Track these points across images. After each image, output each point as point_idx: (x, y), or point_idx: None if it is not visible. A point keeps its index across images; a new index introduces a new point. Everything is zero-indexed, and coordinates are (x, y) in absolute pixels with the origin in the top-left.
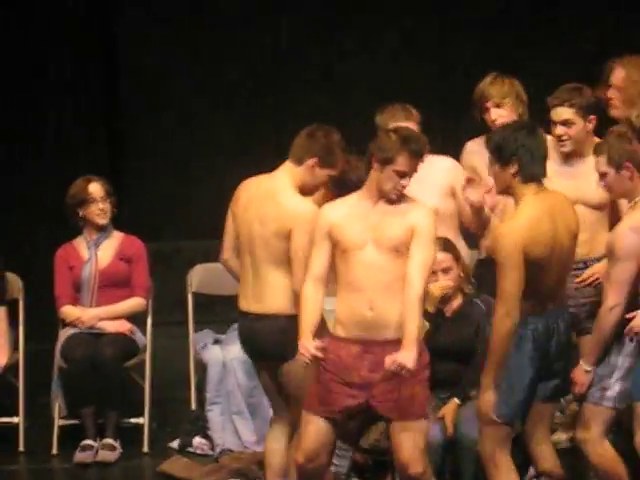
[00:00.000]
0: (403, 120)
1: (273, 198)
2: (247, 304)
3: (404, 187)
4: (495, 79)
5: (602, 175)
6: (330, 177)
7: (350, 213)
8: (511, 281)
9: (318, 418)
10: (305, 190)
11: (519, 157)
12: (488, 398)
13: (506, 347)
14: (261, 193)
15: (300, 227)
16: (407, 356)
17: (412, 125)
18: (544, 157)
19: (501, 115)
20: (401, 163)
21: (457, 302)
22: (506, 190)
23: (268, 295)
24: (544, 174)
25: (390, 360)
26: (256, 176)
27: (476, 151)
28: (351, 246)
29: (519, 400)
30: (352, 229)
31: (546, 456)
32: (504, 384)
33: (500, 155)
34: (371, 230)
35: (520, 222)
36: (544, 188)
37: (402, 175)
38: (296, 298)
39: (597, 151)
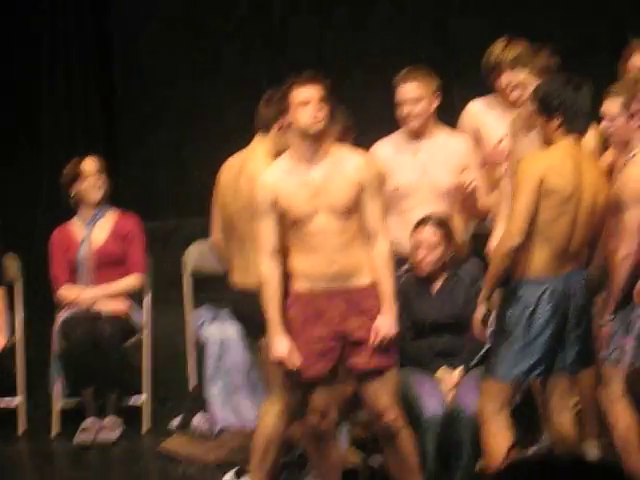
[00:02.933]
0: (403, 81)
1: (244, 169)
2: (234, 279)
3: (320, 116)
4: (509, 43)
5: (610, 118)
6: None
7: (291, 181)
8: (521, 202)
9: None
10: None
11: (563, 111)
12: (480, 312)
13: (504, 264)
14: (235, 169)
15: None
16: (389, 322)
17: (413, 85)
18: (588, 113)
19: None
20: (296, 94)
21: (443, 276)
22: (548, 141)
23: (252, 271)
24: (586, 130)
25: (374, 334)
26: (234, 155)
27: (478, 111)
28: (302, 216)
29: (533, 362)
30: (299, 199)
31: (562, 426)
32: (517, 344)
33: (545, 107)
34: (318, 197)
35: (543, 153)
36: (581, 145)
37: (305, 103)
38: None
39: (612, 92)
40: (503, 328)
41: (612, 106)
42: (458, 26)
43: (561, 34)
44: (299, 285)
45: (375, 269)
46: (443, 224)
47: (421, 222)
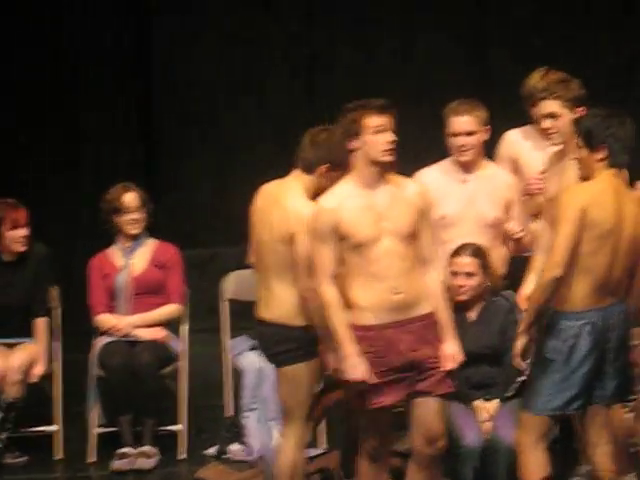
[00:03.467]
0: (461, 114)
1: (278, 203)
2: (259, 311)
3: (393, 145)
4: (547, 73)
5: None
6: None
7: (354, 205)
8: (564, 233)
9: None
10: (324, 192)
11: (608, 145)
12: (520, 343)
13: (546, 296)
14: (270, 199)
15: (304, 230)
16: (456, 348)
17: (469, 119)
18: (631, 147)
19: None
20: (372, 121)
21: (480, 306)
22: (588, 174)
23: (274, 303)
24: (627, 163)
25: (447, 361)
26: (272, 181)
27: (515, 141)
28: (366, 241)
29: (572, 395)
30: (363, 223)
31: (601, 459)
32: (557, 376)
33: (589, 141)
34: (382, 221)
35: (585, 186)
36: (621, 178)
37: (381, 131)
38: (303, 302)
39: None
40: (542, 360)
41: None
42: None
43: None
44: (365, 318)
45: (432, 296)
46: (480, 253)
47: (458, 251)
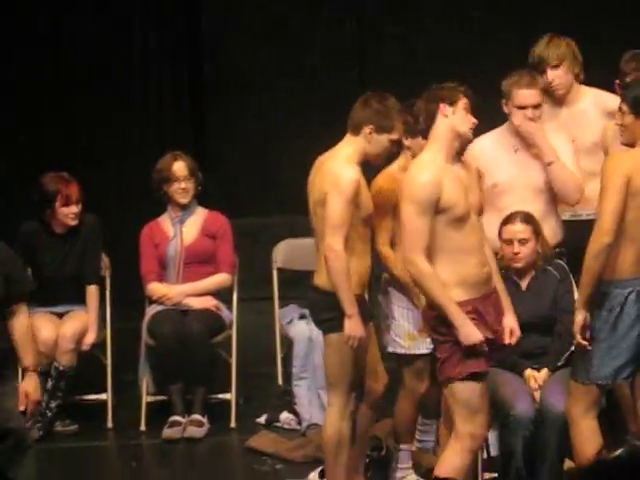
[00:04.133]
0: (526, 87)
1: (322, 166)
2: (314, 277)
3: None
4: (551, 40)
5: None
6: (392, 142)
7: (450, 179)
8: (610, 200)
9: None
10: (371, 159)
11: None
12: (579, 318)
13: (599, 265)
14: (318, 164)
15: (334, 190)
16: (515, 321)
17: (535, 92)
18: None
19: (558, 76)
20: (464, 102)
21: (531, 274)
22: (632, 141)
23: (322, 269)
24: None
25: (512, 333)
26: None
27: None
28: (463, 215)
29: (620, 364)
30: (460, 197)
31: None
32: (605, 345)
33: (637, 107)
34: (468, 196)
35: (629, 153)
36: None
37: (469, 111)
38: (329, 263)
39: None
40: (590, 329)
41: None
42: None
43: None
44: (456, 294)
45: (494, 266)
46: (531, 220)
47: (509, 218)
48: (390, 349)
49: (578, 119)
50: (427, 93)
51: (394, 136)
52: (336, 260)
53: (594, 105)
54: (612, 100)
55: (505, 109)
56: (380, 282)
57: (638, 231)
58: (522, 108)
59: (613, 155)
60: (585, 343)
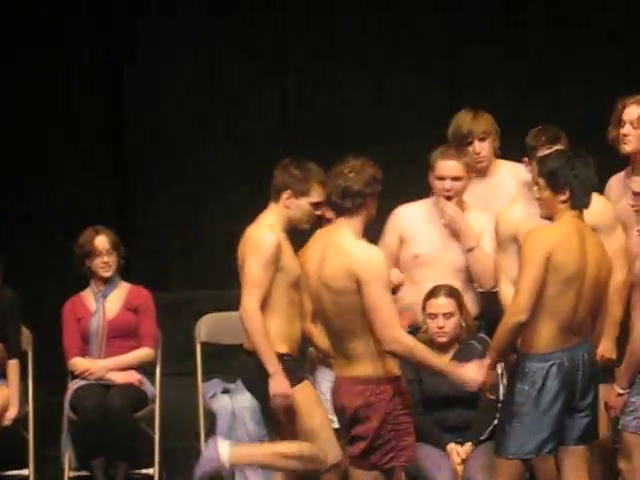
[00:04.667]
0: (449, 158)
1: (245, 232)
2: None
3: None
4: (477, 113)
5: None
6: (314, 204)
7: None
8: (529, 277)
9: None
10: (297, 224)
11: (572, 186)
12: (488, 380)
13: (510, 339)
14: (244, 236)
15: (252, 253)
16: None
17: (458, 164)
18: (594, 188)
19: (485, 148)
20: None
21: (454, 348)
22: (550, 215)
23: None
24: (589, 204)
25: None
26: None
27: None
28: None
29: (543, 438)
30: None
31: None
32: (528, 419)
33: (553, 181)
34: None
35: (550, 228)
36: (583, 219)
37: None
38: (244, 324)
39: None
40: (512, 404)
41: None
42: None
43: None
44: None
45: None
46: (455, 294)
47: (434, 292)
48: None
49: (495, 191)
50: (304, 161)
51: (313, 199)
52: (249, 321)
53: (509, 177)
54: (525, 171)
55: (430, 181)
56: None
57: (559, 306)
58: (442, 179)
59: (532, 231)
60: (492, 397)
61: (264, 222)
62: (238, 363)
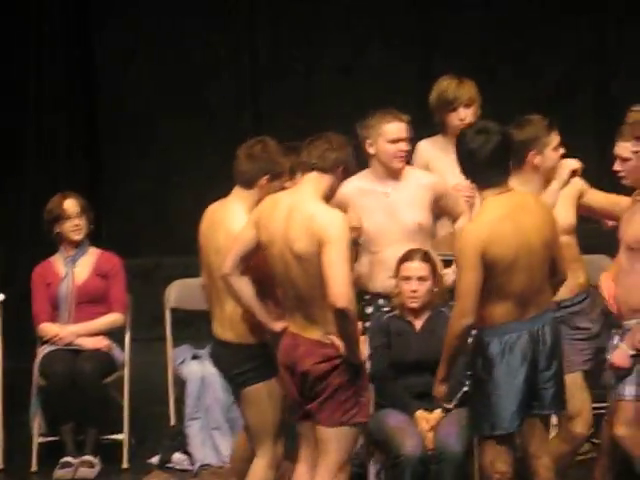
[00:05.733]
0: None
1: (223, 225)
2: (215, 331)
3: None
4: (462, 81)
5: (624, 160)
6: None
7: None
8: (466, 281)
9: None
10: None
11: (482, 171)
12: (439, 390)
13: (458, 345)
14: (215, 221)
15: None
16: None
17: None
18: (501, 160)
19: (470, 114)
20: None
21: (426, 315)
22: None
23: (227, 323)
24: (507, 178)
25: None
26: (215, 202)
27: (426, 149)
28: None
29: (512, 411)
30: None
31: (542, 472)
32: (493, 396)
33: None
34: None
35: (478, 224)
36: (508, 189)
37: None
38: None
39: (622, 135)
40: (477, 382)
41: (622, 149)
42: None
43: None
44: None
45: None
46: (429, 258)
47: (408, 256)
48: None
49: None
50: (268, 141)
51: (286, 179)
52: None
53: None
54: None
55: (370, 150)
56: None
57: (508, 289)
58: (395, 142)
59: (465, 229)
60: (451, 406)
61: (237, 209)
62: (212, 354)
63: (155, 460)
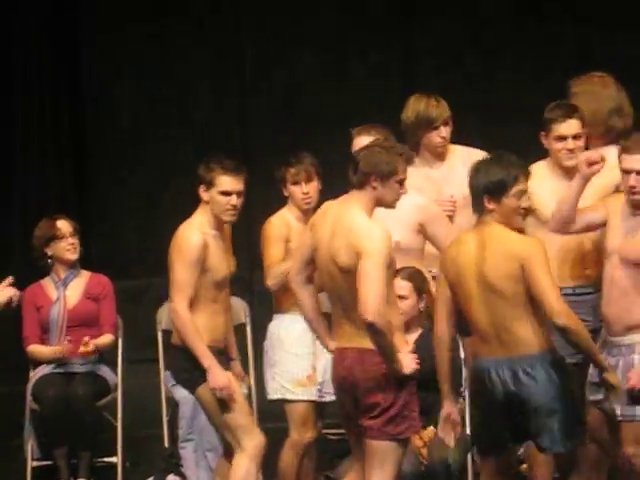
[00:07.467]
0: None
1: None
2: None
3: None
4: (438, 99)
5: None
6: (223, 193)
7: None
8: (437, 306)
9: None
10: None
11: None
12: (446, 412)
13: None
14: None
15: (177, 253)
16: None
17: None
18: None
19: (449, 133)
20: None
21: (416, 334)
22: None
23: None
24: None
25: None
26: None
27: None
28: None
29: (494, 436)
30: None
31: None
32: (477, 421)
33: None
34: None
35: (449, 252)
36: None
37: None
38: (174, 323)
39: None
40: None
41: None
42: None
43: None
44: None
45: None
46: (414, 278)
47: (396, 274)
48: (277, 396)
49: (449, 177)
50: None
51: (221, 188)
52: (178, 319)
53: (460, 161)
54: (479, 155)
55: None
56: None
57: (470, 317)
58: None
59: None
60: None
61: (192, 222)
62: (168, 356)
63: None
